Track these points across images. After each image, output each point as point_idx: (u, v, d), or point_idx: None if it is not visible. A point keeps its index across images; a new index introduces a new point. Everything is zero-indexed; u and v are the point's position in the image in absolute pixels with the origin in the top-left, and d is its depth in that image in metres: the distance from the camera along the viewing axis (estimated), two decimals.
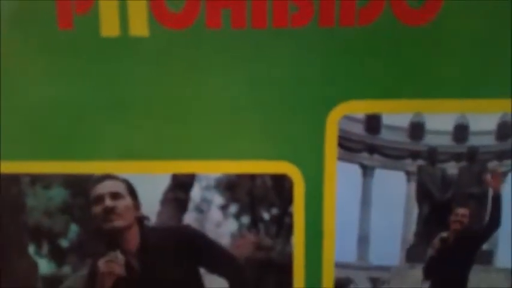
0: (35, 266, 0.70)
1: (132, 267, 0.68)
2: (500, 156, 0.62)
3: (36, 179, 0.67)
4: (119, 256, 0.67)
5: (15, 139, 0.66)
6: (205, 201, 0.67)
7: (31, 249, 0.70)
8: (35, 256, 0.70)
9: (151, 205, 0.67)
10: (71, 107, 0.64)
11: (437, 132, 0.61)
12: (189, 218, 0.67)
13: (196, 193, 0.66)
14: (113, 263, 0.67)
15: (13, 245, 0.70)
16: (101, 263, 0.67)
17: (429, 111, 0.61)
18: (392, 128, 0.62)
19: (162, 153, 0.65)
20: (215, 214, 0.67)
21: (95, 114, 0.64)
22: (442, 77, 0.59)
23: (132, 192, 0.66)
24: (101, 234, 0.67)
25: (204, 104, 0.63)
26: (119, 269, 0.67)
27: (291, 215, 0.65)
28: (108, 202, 0.66)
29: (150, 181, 0.66)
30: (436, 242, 0.66)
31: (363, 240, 0.66)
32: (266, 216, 0.67)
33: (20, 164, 0.66)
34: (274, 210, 0.67)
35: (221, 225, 0.67)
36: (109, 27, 0.60)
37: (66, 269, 0.70)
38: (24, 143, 0.66)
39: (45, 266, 0.70)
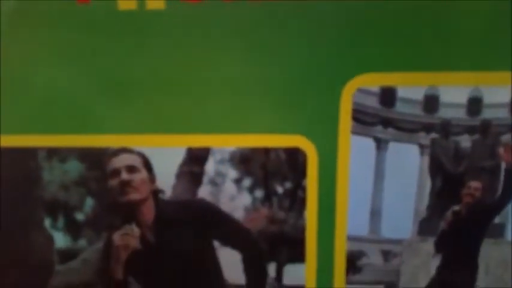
0: (51, 239, 0.71)
1: (147, 240, 0.68)
2: None
3: (52, 153, 0.67)
4: (134, 229, 0.68)
5: (32, 113, 0.66)
6: (220, 174, 0.67)
7: (47, 222, 0.70)
8: (51, 229, 0.71)
9: (166, 178, 0.67)
10: (87, 81, 0.65)
11: (451, 105, 0.61)
12: (204, 192, 0.68)
13: (210, 167, 0.67)
14: (128, 236, 0.68)
15: (29, 218, 0.70)
16: (116, 236, 0.68)
17: (443, 84, 0.61)
18: (406, 101, 0.62)
19: (177, 127, 0.65)
20: (229, 188, 0.68)
21: (111, 89, 0.65)
22: (457, 49, 0.60)
23: (147, 165, 0.67)
24: (117, 208, 0.68)
25: (219, 78, 0.63)
26: (134, 242, 0.68)
27: (304, 189, 0.66)
28: (124, 175, 0.66)
29: (165, 155, 0.67)
30: (448, 215, 0.66)
31: (376, 213, 0.66)
32: (279, 189, 0.67)
33: (36, 137, 0.67)
34: (288, 184, 0.67)
35: (235, 198, 0.68)
36: (126, 1, 0.61)
37: (82, 243, 0.71)
38: (41, 116, 0.66)
39: (61, 240, 0.71)
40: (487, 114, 0.62)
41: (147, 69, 0.64)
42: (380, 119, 0.64)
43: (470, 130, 0.62)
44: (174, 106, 0.65)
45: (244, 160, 0.67)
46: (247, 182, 0.68)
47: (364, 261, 0.68)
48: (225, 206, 0.68)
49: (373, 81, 0.61)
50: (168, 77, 0.64)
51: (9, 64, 0.65)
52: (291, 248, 0.68)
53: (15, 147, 0.67)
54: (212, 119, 0.65)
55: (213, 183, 0.68)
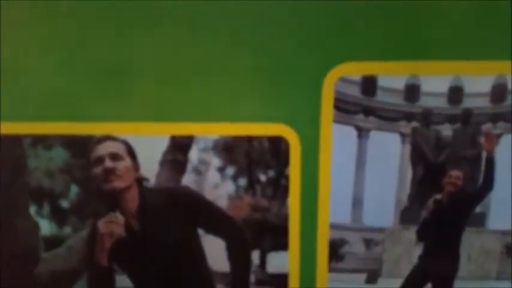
0: (36, 226, 0.72)
1: (132, 227, 0.69)
2: (495, 118, 0.63)
3: (37, 140, 0.68)
4: (119, 217, 0.68)
5: (17, 100, 0.67)
6: (203, 163, 0.68)
7: (32, 209, 0.71)
8: (36, 217, 0.71)
9: (150, 166, 0.68)
10: (72, 69, 0.65)
11: (433, 94, 0.62)
12: (187, 180, 0.69)
13: (194, 155, 0.68)
14: (113, 224, 0.68)
15: (15, 205, 0.71)
16: (101, 224, 0.68)
17: (425, 73, 0.61)
18: (388, 90, 0.63)
19: (160, 115, 0.66)
20: (213, 176, 0.68)
21: (95, 77, 0.65)
22: (438, 38, 0.60)
23: (131, 153, 0.68)
24: (101, 195, 0.68)
25: (203, 66, 0.64)
26: (119, 230, 0.68)
27: (287, 177, 0.67)
28: (108, 163, 0.67)
29: (149, 142, 0.67)
30: (429, 204, 0.67)
31: (357, 201, 0.67)
32: (263, 178, 0.68)
33: (21, 125, 0.67)
34: (271, 172, 0.68)
35: (219, 186, 0.69)
36: None
37: (67, 230, 0.72)
38: (26, 104, 0.67)
39: (46, 227, 0.72)
40: (468, 103, 0.62)
41: (131, 58, 0.64)
42: (361, 107, 0.64)
43: (451, 119, 0.63)
44: (157, 94, 0.65)
45: (228, 148, 0.67)
46: (230, 170, 0.68)
47: (346, 249, 0.69)
48: (209, 194, 0.69)
49: (354, 70, 0.62)
50: (152, 66, 0.64)
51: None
52: (274, 236, 0.69)
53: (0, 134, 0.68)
54: (196, 107, 0.66)
55: (197, 171, 0.68)
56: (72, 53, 0.65)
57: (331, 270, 0.69)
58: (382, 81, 0.62)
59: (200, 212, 0.70)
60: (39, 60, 0.66)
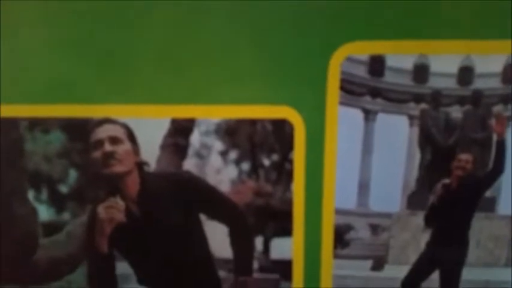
0: (34, 212, 0.71)
1: (132, 213, 0.68)
2: (506, 99, 0.62)
3: (34, 123, 0.67)
4: (119, 202, 0.68)
5: (14, 82, 0.66)
6: (205, 146, 0.67)
7: (31, 194, 0.70)
8: (35, 202, 0.71)
9: (150, 150, 0.67)
10: (70, 51, 0.64)
11: (442, 75, 0.61)
12: (189, 164, 0.68)
13: (196, 138, 0.67)
14: (113, 209, 0.68)
15: (13, 190, 0.70)
16: (101, 209, 0.68)
17: (434, 52, 0.60)
18: (396, 70, 0.62)
19: (161, 97, 0.65)
20: (215, 160, 0.67)
21: (94, 59, 0.64)
22: (448, 17, 0.59)
23: (131, 136, 0.67)
24: (101, 180, 0.68)
25: (204, 48, 0.63)
26: (119, 215, 0.68)
27: (291, 161, 0.66)
28: (108, 147, 0.66)
29: (149, 126, 0.66)
30: (438, 188, 0.66)
31: (364, 186, 0.66)
32: (266, 162, 0.67)
33: (18, 107, 0.66)
34: (275, 156, 0.67)
35: (221, 171, 0.68)
36: None
37: (66, 215, 0.71)
38: (23, 86, 0.66)
39: (44, 212, 0.71)
40: (478, 84, 0.61)
41: (131, 40, 0.63)
42: (368, 89, 0.63)
43: (461, 100, 0.62)
44: (158, 76, 0.64)
45: (230, 132, 0.66)
46: (233, 154, 0.67)
47: (352, 235, 0.68)
48: (211, 178, 0.68)
49: (361, 49, 0.60)
50: (152, 47, 0.63)
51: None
52: (278, 222, 0.68)
53: None
54: (197, 90, 0.65)
55: (199, 155, 0.67)
56: (72, 35, 0.64)
57: (336, 256, 0.68)
58: (390, 61, 0.61)
59: (202, 197, 0.69)
60: (38, 43, 0.65)
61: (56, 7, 0.63)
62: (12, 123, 0.67)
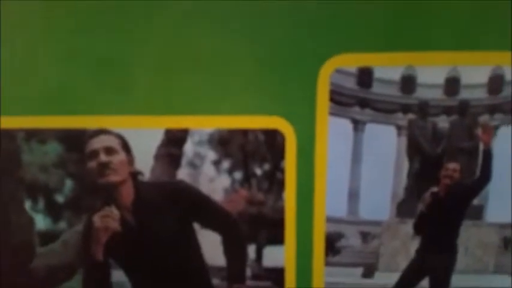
0: (31, 221, 0.73)
1: (127, 222, 0.71)
2: (492, 110, 0.64)
3: (31, 134, 0.70)
4: (114, 211, 0.70)
5: (11, 94, 0.68)
6: (198, 156, 0.69)
7: (27, 204, 0.73)
8: (31, 211, 0.73)
9: (145, 160, 0.70)
10: (66, 62, 0.67)
11: (429, 86, 0.63)
12: (183, 174, 0.70)
13: (189, 148, 0.69)
14: (108, 218, 0.70)
15: (10, 200, 0.73)
16: (96, 218, 0.70)
17: (421, 64, 0.62)
18: (384, 82, 0.64)
19: (155, 108, 0.67)
20: (208, 169, 0.70)
21: (89, 70, 0.67)
22: (434, 29, 0.61)
23: (126, 147, 0.69)
24: (96, 189, 0.70)
25: (197, 60, 0.65)
26: (114, 224, 0.70)
27: (282, 170, 0.68)
28: (103, 157, 0.68)
29: (143, 136, 0.69)
30: (426, 197, 0.68)
31: (354, 194, 0.68)
32: (258, 171, 0.69)
33: (15, 119, 0.69)
34: (266, 166, 0.69)
35: (214, 180, 0.70)
36: None
37: (62, 224, 0.73)
38: (19, 98, 0.68)
39: (41, 221, 0.73)
40: (464, 94, 0.64)
41: (126, 52, 0.66)
42: (357, 99, 0.66)
43: (448, 111, 0.64)
44: (152, 87, 0.67)
45: (223, 142, 0.69)
46: (226, 163, 0.70)
47: (342, 242, 0.70)
48: (204, 187, 0.70)
49: (350, 61, 0.63)
50: (147, 59, 0.66)
51: None
52: (270, 230, 0.71)
53: None
54: (190, 101, 0.67)
55: (192, 165, 0.70)
56: (67, 47, 0.66)
57: (327, 264, 0.70)
58: (378, 73, 0.63)
59: (195, 206, 0.71)
60: (35, 55, 0.67)
61: (54, 20, 0.66)
62: (9, 134, 0.70)
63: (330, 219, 0.68)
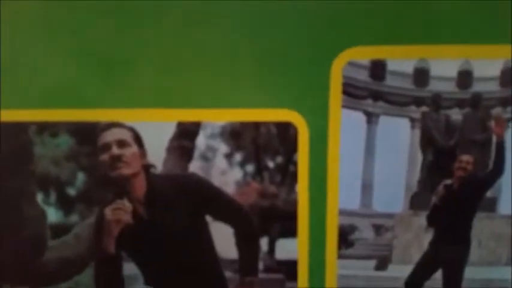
0: (43, 214, 0.75)
1: (139, 214, 0.72)
2: (504, 102, 0.65)
3: (43, 127, 0.71)
4: (126, 204, 0.71)
5: (23, 87, 0.70)
6: (211, 149, 0.71)
7: (39, 197, 0.74)
8: (43, 204, 0.75)
9: (157, 153, 0.71)
10: (78, 55, 0.68)
11: (442, 79, 0.64)
12: (195, 166, 0.71)
13: (201, 141, 0.70)
14: (120, 211, 0.71)
15: (22, 193, 0.74)
16: (108, 211, 0.71)
17: (434, 57, 0.64)
18: (397, 74, 0.65)
19: (167, 101, 0.69)
20: (220, 162, 0.71)
21: (101, 63, 0.68)
22: (447, 22, 0.62)
23: (138, 140, 0.70)
24: (108, 182, 0.71)
25: (209, 52, 0.67)
26: (126, 217, 0.71)
27: (295, 163, 0.69)
28: (115, 150, 0.70)
29: (155, 129, 0.70)
30: (439, 189, 0.70)
31: (367, 187, 0.70)
32: (271, 164, 0.71)
33: (27, 112, 0.70)
34: (279, 158, 0.71)
35: (226, 173, 0.71)
36: None
37: (74, 217, 0.75)
38: (31, 91, 0.70)
39: (53, 214, 0.75)
40: (477, 87, 0.65)
41: (137, 45, 0.67)
42: (370, 92, 0.67)
43: (460, 103, 0.66)
44: (164, 80, 0.68)
45: (235, 135, 0.70)
46: (238, 156, 0.71)
47: (356, 235, 0.72)
48: (216, 180, 0.72)
49: (363, 54, 0.64)
50: (157, 51, 0.67)
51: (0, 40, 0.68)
52: (283, 223, 0.72)
53: (6, 121, 0.71)
54: (203, 93, 0.68)
55: (204, 158, 0.71)
56: (78, 40, 0.68)
57: (340, 256, 0.72)
58: (391, 66, 0.65)
59: (208, 198, 0.72)
60: (44, 47, 0.68)
61: (63, 15, 0.67)
62: (21, 127, 0.71)
63: (343, 212, 0.70)
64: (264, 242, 0.74)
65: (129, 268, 0.74)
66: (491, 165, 0.68)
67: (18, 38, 0.68)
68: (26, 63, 0.69)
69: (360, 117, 0.68)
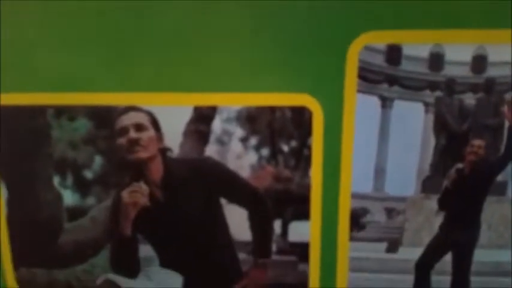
0: (59, 197, 0.76)
1: (156, 197, 0.73)
2: None
3: (61, 111, 0.72)
4: (143, 187, 0.72)
5: (41, 71, 0.70)
6: (226, 133, 0.71)
7: (56, 180, 0.75)
8: (60, 187, 0.75)
9: (174, 137, 0.72)
10: (95, 39, 0.68)
11: (456, 63, 0.65)
12: (211, 150, 0.72)
13: (217, 125, 0.71)
14: (137, 194, 0.72)
15: (38, 176, 0.75)
16: (125, 194, 0.72)
17: (449, 41, 0.64)
18: (412, 59, 0.66)
19: (184, 85, 0.69)
20: (236, 146, 0.72)
21: (119, 47, 0.68)
22: (462, 7, 0.63)
23: (155, 124, 0.71)
24: (125, 166, 0.72)
25: (225, 36, 0.67)
26: (143, 199, 0.72)
27: (309, 147, 0.70)
28: (132, 134, 0.70)
29: (172, 113, 0.71)
30: (451, 173, 0.71)
31: (380, 171, 0.70)
32: (285, 148, 0.72)
33: (45, 95, 0.71)
34: (293, 143, 0.71)
35: (241, 157, 0.72)
36: None
37: (91, 200, 0.75)
38: (49, 74, 0.70)
39: (69, 197, 0.76)
40: (491, 72, 0.65)
41: (154, 27, 0.67)
42: (386, 77, 0.67)
43: (474, 88, 0.66)
44: (181, 65, 0.68)
45: (251, 119, 0.71)
46: (253, 140, 0.72)
47: (368, 218, 0.73)
48: (232, 164, 0.72)
49: (379, 38, 0.65)
50: (174, 35, 0.67)
51: (15, 23, 0.68)
52: (296, 206, 0.73)
53: (24, 105, 0.71)
54: (218, 78, 0.69)
55: (220, 141, 0.72)
56: (93, 22, 0.68)
57: (352, 239, 0.73)
58: (406, 50, 0.65)
59: (223, 182, 0.73)
60: (61, 31, 0.68)
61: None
62: (39, 110, 0.72)
63: (355, 195, 0.71)
64: (277, 225, 0.74)
65: (145, 250, 0.75)
66: (502, 149, 0.69)
67: (36, 21, 0.68)
68: (43, 47, 0.69)
69: (374, 102, 0.68)
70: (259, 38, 0.66)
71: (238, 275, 0.75)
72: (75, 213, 0.76)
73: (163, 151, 0.72)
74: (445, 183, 0.71)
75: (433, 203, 0.72)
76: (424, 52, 0.65)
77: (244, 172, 0.72)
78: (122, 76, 0.70)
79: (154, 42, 0.68)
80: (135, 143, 0.70)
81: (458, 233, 0.73)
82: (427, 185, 0.71)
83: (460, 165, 0.70)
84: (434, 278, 0.74)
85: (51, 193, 0.76)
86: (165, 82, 0.69)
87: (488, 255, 0.73)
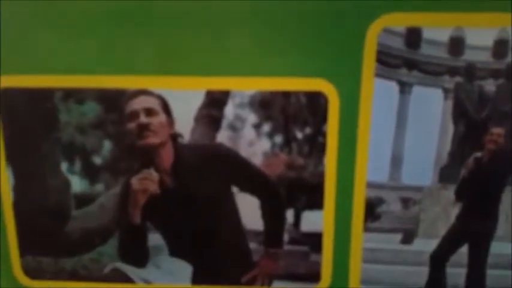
0: (67, 183, 0.73)
1: (166, 184, 0.70)
2: None
3: (69, 94, 0.69)
4: (153, 173, 0.69)
5: (49, 53, 0.67)
6: (239, 119, 0.69)
7: (64, 166, 0.72)
8: (68, 173, 0.72)
9: (185, 122, 0.69)
10: (105, 21, 0.65)
11: (477, 48, 0.62)
12: (222, 136, 0.69)
13: (229, 110, 0.68)
14: (147, 180, 0.69)
15: (46, 162, 0.72)
16: (135, 180, 0.70)
17: (470, 25, 0.61)
18: (432, 43, 0.63)
19: (196, 69, 0.66)
20: (248, 132, 0.69)
21: (129, 28, 0.65)
22: None
23: (166, 108, 0.68)
24: (135, 151, 0.69)
25: (239, 19, 0.64)
26: (153, 186, 0.69)
27: (324, 134, 0.67)
28: (143, 118, 0.67)
29: (184, 98, 0.68)
30: (469, 162, 0.68)
31: (396, 159, 0.68)
32: (299, 135, 0.69)
33: (53, 77, 0.68)
34: (308, 129, 0.68)
35: (254, 143, 0.69)
36: None
37: (99, 187, 0.73)
38: (58, 56, 0.67)
39: (77, 184, 0.73)
40: None
41: (165, 12, 0.64)
42: (405, 61, 0.65)
43: (495, 74, 0.63)
44: (193, 48, 0.66)
45: (264, 104, 0.68)
46: (266, 127, 0.69)
47: (383, 208, 0.70)
48: (244, 151, 0.69)
49: (398, 21, 0.62)
50: (186, 18, 0.64)
51: (19, 4, 0.65)
52: (309, 195, 0.70)
53: (31, 87, 0.68)
54: (232, 62, 0.66)
55: (232, 127, 0.69)
56: (104, 4, 0.65)
57: (366, 229, 0.70)
58: (426, 34, 0.62)
59: (234, 169, 0.70)
60: (70, 11, 0.66)
61: None
62: (46, 93, 0.69)
63: (371, 185, 0.68)
64: (289, 214, 0.72)
65: (154, 239, 0.72)
66: None
67: (46, 3, 0.66)
68: (50, 28, 0.66)
69: (392, 87, 0.65)
70: (274, 20, 0.64)
71: (248, 265, 0.73)
72: (83, 200, 0.73)
73: (174, 137, 0.69)
74: (463, 172, 0.68)
75: (450, 193, 0.69)
76: (444, 36, 0.62)
77: (257, 159, 0.69)
78: (131, 59, 0.67)
79: (165, 24, 0.65)
80: (145, 128, 0.68)
81: (475, 225, 0.70)
82: (445, 175, 0.68)
83: (478, 154, 0.68)
84: (450, 271, 0.71)
85: (58, 179, 0.73)
86: (176, 65, 0.66)
87: (506, 247, 0.70)
